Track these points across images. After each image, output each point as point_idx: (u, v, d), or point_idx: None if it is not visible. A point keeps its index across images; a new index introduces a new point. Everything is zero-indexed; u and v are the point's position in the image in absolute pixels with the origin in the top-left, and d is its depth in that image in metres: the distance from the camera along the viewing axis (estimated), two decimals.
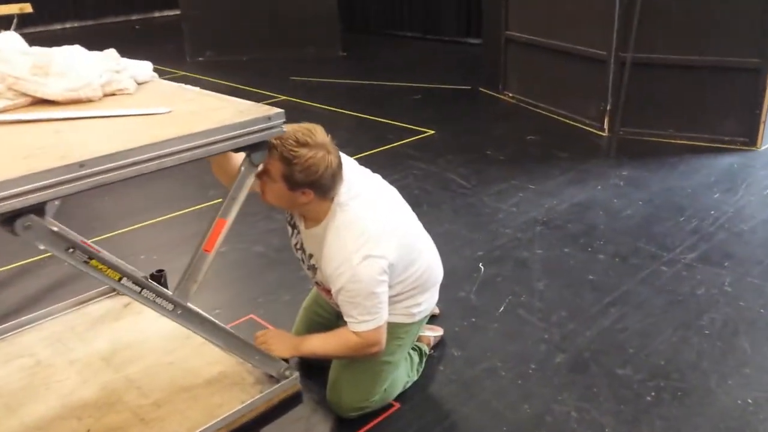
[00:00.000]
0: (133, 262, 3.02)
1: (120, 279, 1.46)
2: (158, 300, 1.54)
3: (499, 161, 4.32)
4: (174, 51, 8.20)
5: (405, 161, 4.34)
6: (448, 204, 3.68)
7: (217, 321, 1.69)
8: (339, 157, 1.80)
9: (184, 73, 7.13)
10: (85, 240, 1.40)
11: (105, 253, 1.46)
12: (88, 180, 1.32)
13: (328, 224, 1.84)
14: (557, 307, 2.63)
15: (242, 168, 1.61)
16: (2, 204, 1.21)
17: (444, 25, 8.46)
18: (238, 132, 1.52)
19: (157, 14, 9.96)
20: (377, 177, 2.06)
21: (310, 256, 1.94)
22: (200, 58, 7.88)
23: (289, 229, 2.05)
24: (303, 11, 7.54)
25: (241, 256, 3.20)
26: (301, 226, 1.94)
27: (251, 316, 2.68)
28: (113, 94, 1.77)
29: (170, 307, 1.57)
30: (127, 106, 1.67)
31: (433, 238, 2.19)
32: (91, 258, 1.39)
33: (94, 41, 9.47)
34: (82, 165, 1.30)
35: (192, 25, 7.86)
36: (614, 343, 2.39)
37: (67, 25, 9.32)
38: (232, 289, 2.94)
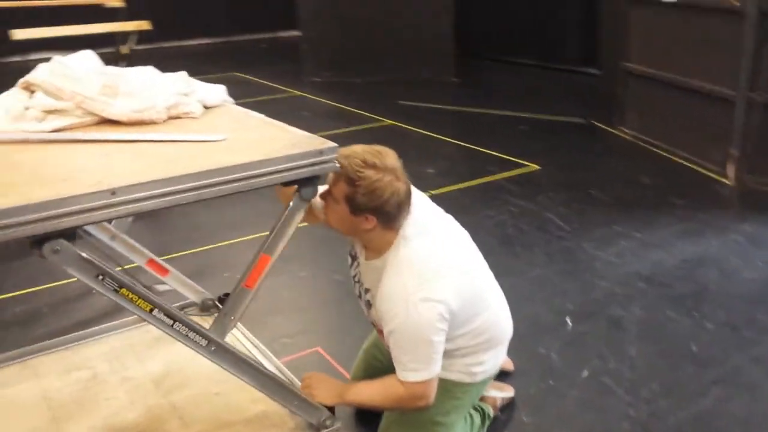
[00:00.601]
0: (214, 279, 3.09)
1: (151, 310, 1.40)
2: (191, 335, 1.47)
3: (604, 203, 4.01)
4: (292, 71, 8.43)
5: (502, 196, 4.13)
6: (542, 247, 3.43)
7: (252, 361, 1.60)
8: (407, 186, 1.66)
9: (298, 92, 7.29)
10: (123, 266, 1.35)
11: (138, 284, 1.40)
12: (120, 208, 1.27)
13: (389, 258, 1.70)
14: (649, 378, 2.33)
15: (291, 203, 1.52)
16: (27, 227, 1.19)
17: (564, 52, 8.13)
18: (287, 165, 1.44)
19: (282, 34, 10.33)
20: (450, 217, 1.90)
21: (367, 290, 1.82)
22: (316, 79, 8.05)
23: (349, 259, 1.94)
24: (418, 34, 7.52)
25: (319, 284, 3.13)
26: (362, 257, 1.82)
27: (318, 349, 2.58)
28: (178, 117, 1.75)
29: (204, 342, 1.49)
30: (187, 130, 1.63)
31: (520, 284, 2.00)
32: (121, 287, 1.34)
33: (220, 58, 9.87)
34: (113, 192, 1.25)
35: (310, 46, 8.05)
36: (712, 430, 2.07)
37: (195, 42, 9.84)
38: (304, 318, 2.87)
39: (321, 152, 1.47)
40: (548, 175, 4.51)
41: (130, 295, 1.36)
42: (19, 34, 3.55)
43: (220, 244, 3.50)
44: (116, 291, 1.34)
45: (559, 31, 8.19)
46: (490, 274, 1.93)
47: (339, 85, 7.79)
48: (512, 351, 2.07)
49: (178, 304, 2.31)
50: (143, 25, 4.00)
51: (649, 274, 3.11)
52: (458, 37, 7.96)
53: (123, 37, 4.21)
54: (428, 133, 5.58)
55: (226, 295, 2.38)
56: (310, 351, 2.56)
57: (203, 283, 2.42)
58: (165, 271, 2.17)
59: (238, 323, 1.87)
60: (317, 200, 1.69)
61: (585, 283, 3.03)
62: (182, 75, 1.84)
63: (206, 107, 1.85)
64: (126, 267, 1.98)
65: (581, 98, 6.70)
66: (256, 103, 6.70)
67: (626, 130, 5.35)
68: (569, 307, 2.82)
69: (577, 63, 8.00)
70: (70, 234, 1.25)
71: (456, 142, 5.37)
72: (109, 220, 1.36)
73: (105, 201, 1.24)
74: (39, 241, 1.22)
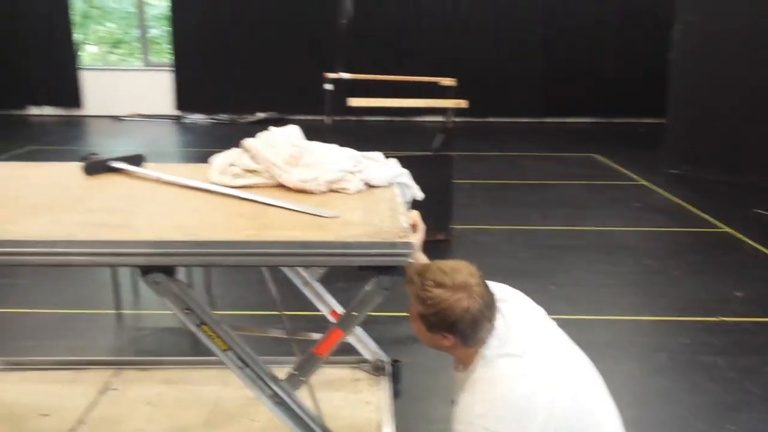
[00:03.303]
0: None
1: (225, 350, 1.62)
2: (259, 382, 1.64)
3: None
4: (653, 159, 7.96)
5: None
6: None
7: (312, 422, 1.68)
8: (483, 302, 1.56)
9: (645, 182, 6.87)
10: (205, 306, 1.61)
11: (223, 325, 1.64)
12: (203, 258, 1.53)
13: (469, 374, 1.62)
14: None
15: (367, 287, 1.58)
16: (136, 258, 1.53)
17: None
18: (357, 251, 1.52)
19: (652, 120, 9.82)
20: (559, 334, 1.69)
21: (452, 401, 1.73)
22: (673, 171, 7.44)
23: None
24: None
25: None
26: (453, 366, 1.75)
27: None
28: (336, 191, 1.96)
29: (269, 392, 1.65)
30: (321, 204, 1.82)
31: None
32: (203, 323, 1.60)
33: (585, 138, 9.74)
34: (199, 244, 1.52)
35: (674, 135, 7.48)
36: None
37: (510, 120, 9.98)
38: None
39: (393, 245, 1.51)
40: None
41: (209, 333, 1.60)
42: (355, 102, 4.24)
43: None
44: (198, 326, 1.59)
45: None
46: (609, 405, 1.64)
47: (695, 180, 7.07)
48: None
49: (353, 358, 2.50)
50: (460, 103, 4.37)
51: None
52: None
53: (451, 111, 4.65)
54: (764, 249, 4.70)
55: (396, 361, 2.50)
56: None
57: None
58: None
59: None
60: None
61: None
62: (354, 154, 2.05)
63: (371, 186, 2.01)
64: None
65: None
66: (593, 186, 6.57)
67: None
68: None
69: None
70: (169, 270, 1.55)
71: None
72: (203, 266, 1.63)
73: (192, 249, 1.51)
74: (145, 271, 1.55)
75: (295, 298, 2.42)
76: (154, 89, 9.70)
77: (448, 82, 4.63)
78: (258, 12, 9.35)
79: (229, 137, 9.50)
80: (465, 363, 1.65)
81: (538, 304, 1.75)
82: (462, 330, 1.56)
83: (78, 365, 2.50)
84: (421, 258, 1.75)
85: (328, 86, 4.32)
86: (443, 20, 9.49)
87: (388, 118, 9.50)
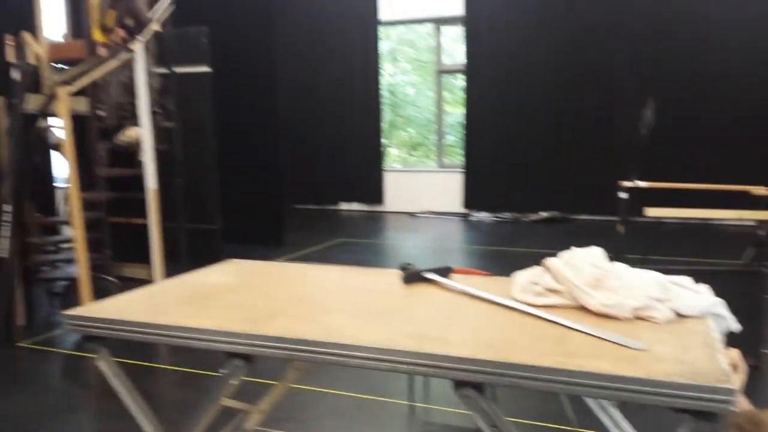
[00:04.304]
0: None
1: None
2: None
3: None
4: None
5: None
6: None
7: None
8: None
9: None
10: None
11: None
12: (511, 379, 1.61)
13: None
14: None
15: (680, 429, 1.50)
16: (452, 372, 1.67)
17: None
18: (668, 391, 1.47)
19: None
20: None
21: None
22: None
23: None
24: None
25: None
26: None
27: None
28: (642, 319, 1.91)
29: None
30: (627, 332, 1.79)
31: None
32: None
33: None
34: (509, 366, 1.61)
35: None
36: None
37: None
38: None
39: (713, 390, 1.42)
40: None
41: None
42: (653, 212, 4.09)
43: None
44: None
45: None
46: None
47: None
48: None
49: None
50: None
51: None
52: None
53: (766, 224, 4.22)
54: None
55: None
56: None
57: None
58: None
59: None
60: None
61: None
62: (663, 281, 1.99)
63: (681, 315, 1.93)
64: None
65: None
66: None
67: None
68: None
69: None
70: (479, 386, 1.67)
71: None
72: (510, 386, 1.68)
73: (502, 370, 1.61)
74: (457, 385, 1.68)
75: (585, 413, 2.37)
76: (445, 188, 10.44)
77: (761, 191, 4.24)
78: (546, 115, 9.62)
79: (512, 235, 9.76)
80: None
81: None
82: None
83: None
84: (743, 403, 1.61)
85: (623, 194, 4.25)
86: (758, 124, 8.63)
87: (684, 219, 8.86)
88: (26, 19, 6.30)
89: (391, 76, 11.72)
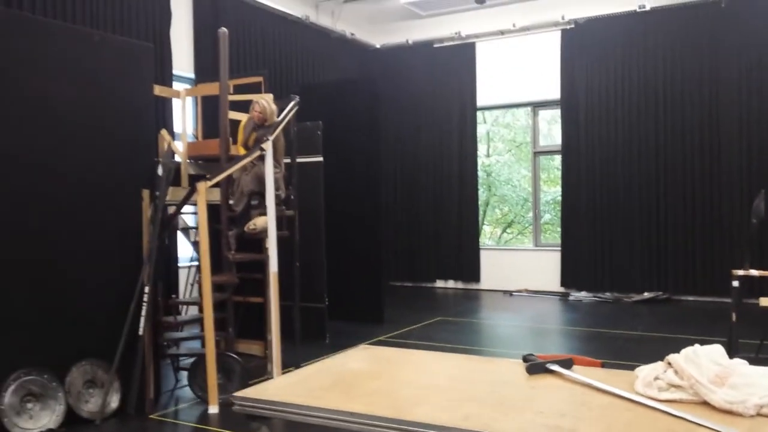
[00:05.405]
0: None
1: None
2: None
3: None
4: None
5: None
6: None
7: None
8: None
9: None
10: None
11: None
12: None
13: None
14: None
15: None
16: None
17: None
18: None
19: None
20: None
21: None
22: None
23: None
24: None
25: None
26: None
27: None
28: (765, 416, 2.01)
29: None
30: (750, 429, 1.90)
31: None
32: None
33: None
34: None
35: None
36: None
37: None
38: None
39: None
40: None
41: None
42: (766, 302, 4.09)
43: None
44: None
45: None
46: None
47: None
48: None
49: None
50: None
51: None
52: None
53: None
54: None
55: None
56: None
57: None
58: None
59: None
60: None
61: None
62: None
63: None
64: None
65: None
66: None
67: None
68: None
69: None
70: None
71: None
72: None
73: None
74: None
75: None
76: (542, 267, 10.47)
77: None
78: (645, 194, 9.60)
79: (613, 316, 9.60)
80: None
81: None
82: None
83: None
84: None
85: (735, 283, 4.27)
86: None
87: None
88: (166, 119, 7.11)
89: (487, 157, 12.07)
